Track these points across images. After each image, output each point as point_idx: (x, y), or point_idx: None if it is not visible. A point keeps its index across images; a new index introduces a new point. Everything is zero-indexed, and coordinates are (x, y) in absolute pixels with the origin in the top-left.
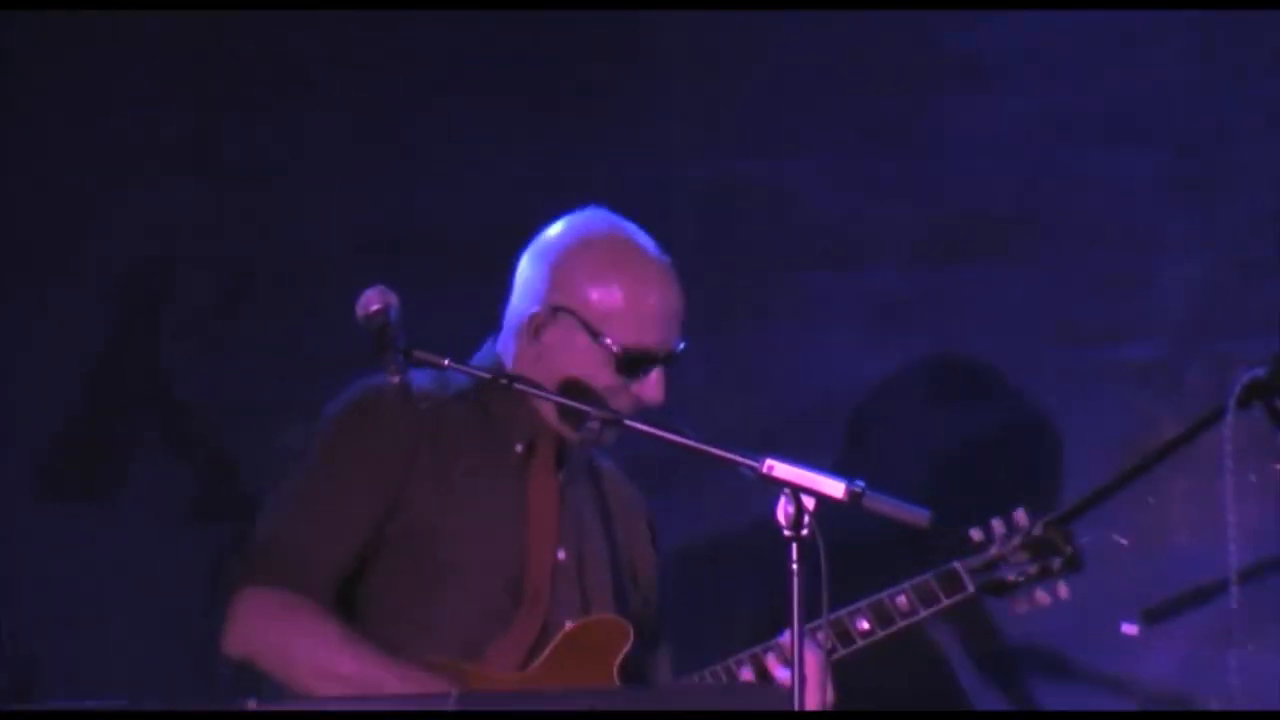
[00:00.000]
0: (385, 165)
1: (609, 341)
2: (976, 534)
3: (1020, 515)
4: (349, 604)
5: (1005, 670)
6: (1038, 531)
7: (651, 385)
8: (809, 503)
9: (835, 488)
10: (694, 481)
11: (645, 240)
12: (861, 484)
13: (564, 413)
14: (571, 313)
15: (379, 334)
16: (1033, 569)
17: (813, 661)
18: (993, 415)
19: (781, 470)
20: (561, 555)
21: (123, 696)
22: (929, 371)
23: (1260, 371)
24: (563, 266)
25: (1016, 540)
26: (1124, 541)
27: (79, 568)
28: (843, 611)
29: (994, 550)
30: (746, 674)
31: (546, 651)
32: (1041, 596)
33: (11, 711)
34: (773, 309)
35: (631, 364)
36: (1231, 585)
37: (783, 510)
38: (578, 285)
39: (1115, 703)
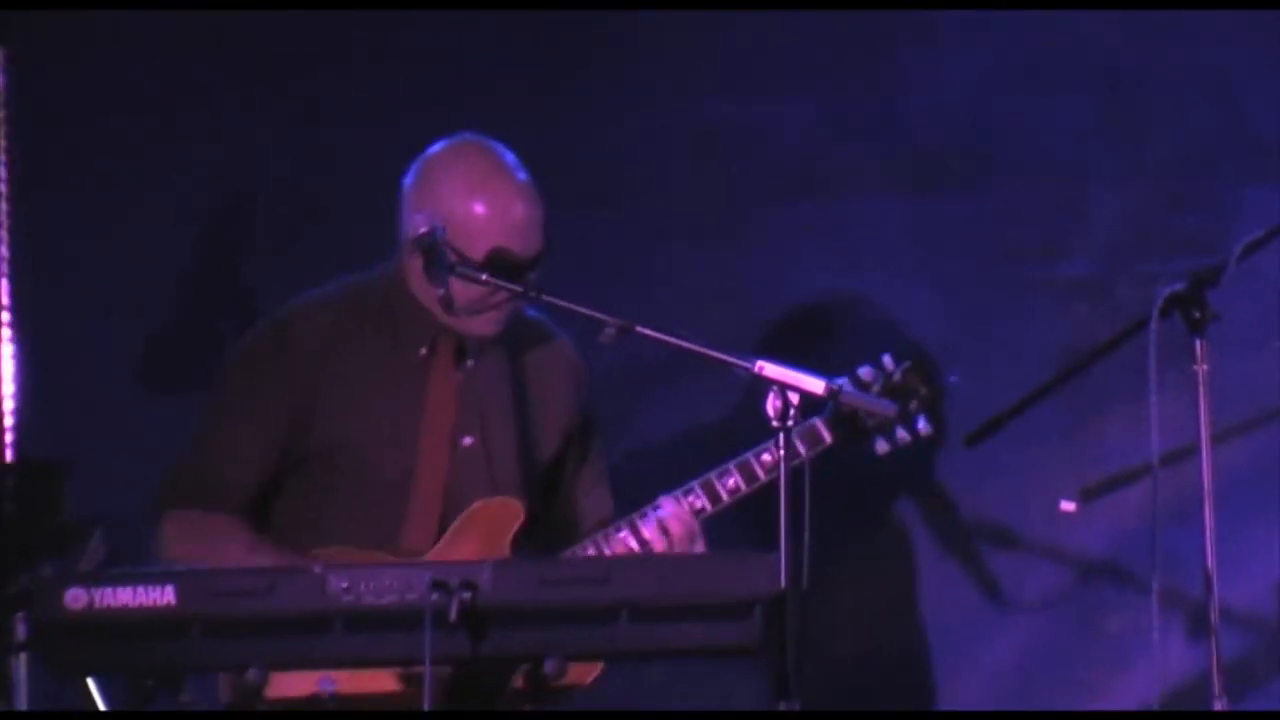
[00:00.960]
0: (424, 113)
1: (469, 253)
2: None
3: (886, 360)
4: (268, 513)
5: (958, 542)
6: (897, 377)
7: (523, 291)
8: (794, 398)
9: (816, 385)
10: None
11: (506, 158)
12: (840, 381)
13: (467, 312)
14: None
15: (427, 251)
16: (891, 411)
17: (679, 516)
18: (946, 325)
19: (771, 370)
20: (467, 441)
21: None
22: (890, 287)
23: (1180, 286)
24: (432, 189)
25: (877, 386)
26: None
27: (168, 451)
28: (713, 472)
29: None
30: (625, 536)
31: (448, 533)
32: (901, 435)
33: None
34: (753, 235)
35: (497, 272)
36: (1154, 469)
37: (771, 404)
38: (445, 205)
39: (1054, 570)
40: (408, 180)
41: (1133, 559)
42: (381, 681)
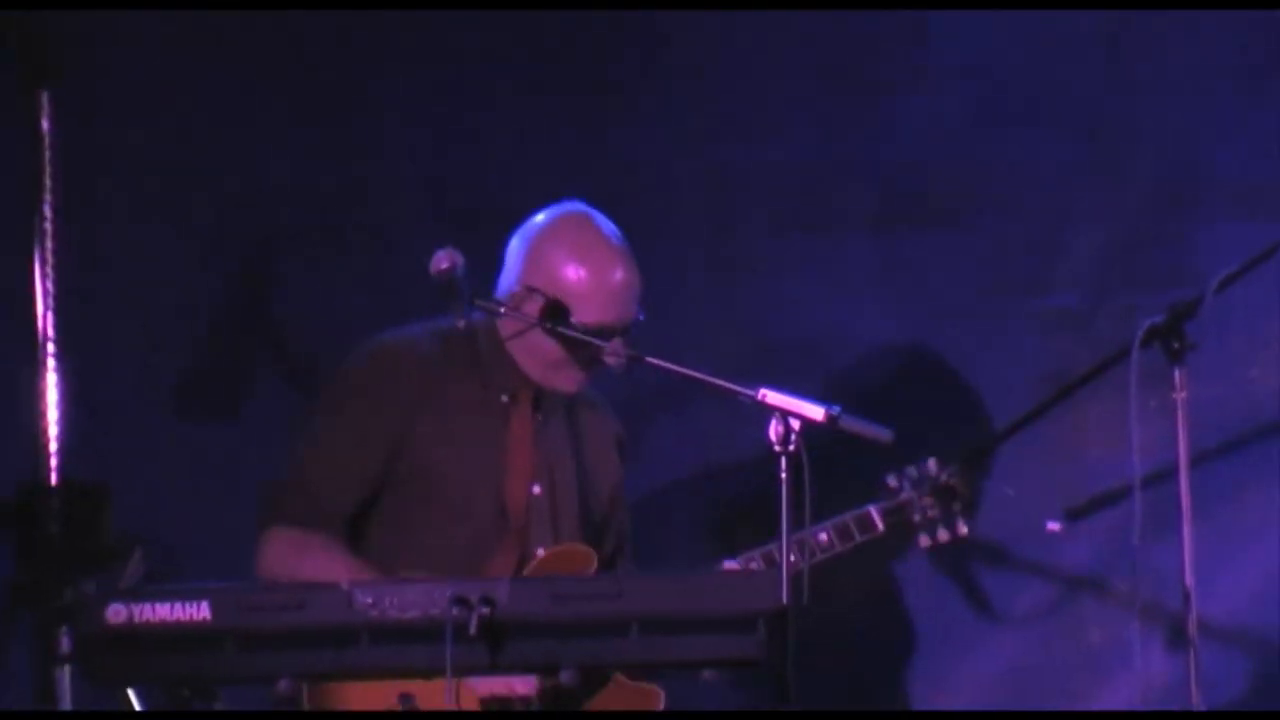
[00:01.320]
0: (456, 146)
1: (578, 318)
2: (892, 481)
3: (930, 464)
4: (361, 534)
5: (954, 558)
6: (943, 479)
7: (616, 352)
8: (795, 424)
9: (816, 411)
10: (688, 407)
11: (608, 228)
12: (838, 409)
13: (544, 367)
14: (543, 293)
15: (447, 287)
16: (935, 512)
17: None
18: (936, 355)
19: (773, 397)
20: (536, 490)
21: (239, 578)
22: (885, 319)
23: (1158, 319)
24: (537, 250)
25: (925, 487)
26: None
27: (211, 473)
28: (774, 543)
29: (904, 495)
30: None
31: (528, 572)
32: (942, 534)
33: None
34: (756, 268)
35: (593, 335)
36: (1135, 490)
37: (773, 430)
38: (548, 268)
39: (1041, 585)
40: (513, 243)
41: (1115, 575)
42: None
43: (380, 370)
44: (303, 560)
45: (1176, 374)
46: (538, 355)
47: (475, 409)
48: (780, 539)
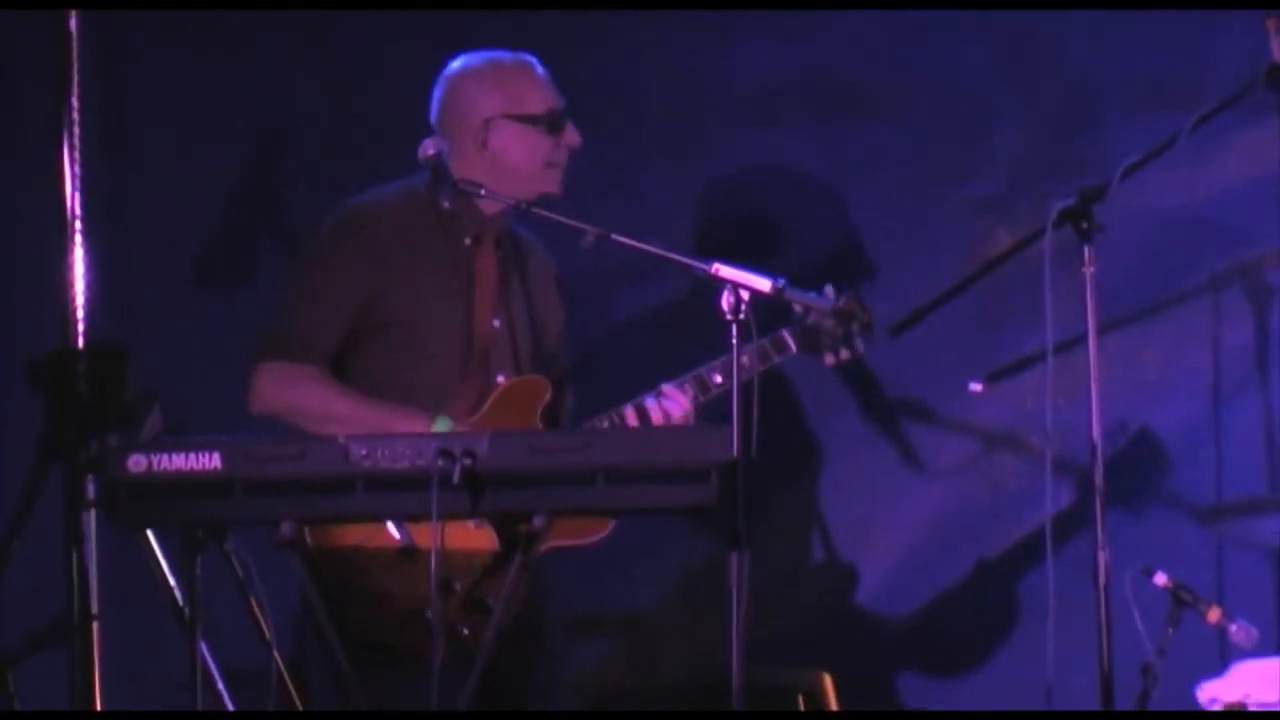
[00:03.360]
0: (444, 47)
1: (533, 113)
2: (799, 308)
3: (829, 291)
4: (341, 374)
5: (884, 416)
6: (840, 303)
7: (571, 132)
8: (745, 295)
9: (763, 283)
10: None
11: (517, 52)
12: (783, 281)
13: (533, 175)
14: (500, 115)
15: (434, 171)
16: (838, 332)
17: (682, 402)
18: (871, 236)
19: (725, 271)
20: (496, 323)
21: (247, 431)
22: (828, 203)
23: (1071, 201)
24: (475, 87)
25: (826, 310)
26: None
27: (222, 337)
28: (703, 369)
29: (810, 318)
30: (630, 417)
31: (488, 403)
32: (843, 353)
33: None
34: (711, 158)
35: (553, 122)
36: (1048, 355)
37: (725, 300)
38: (492, 94)
39: (963, 441)
40: (447, 97)
41: (1030, 431)
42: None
43: (352, 227)
44: (297, 389)
45: (1085, 251)
46: (527, 167)
47: (441, 255)
48: (733, 389)
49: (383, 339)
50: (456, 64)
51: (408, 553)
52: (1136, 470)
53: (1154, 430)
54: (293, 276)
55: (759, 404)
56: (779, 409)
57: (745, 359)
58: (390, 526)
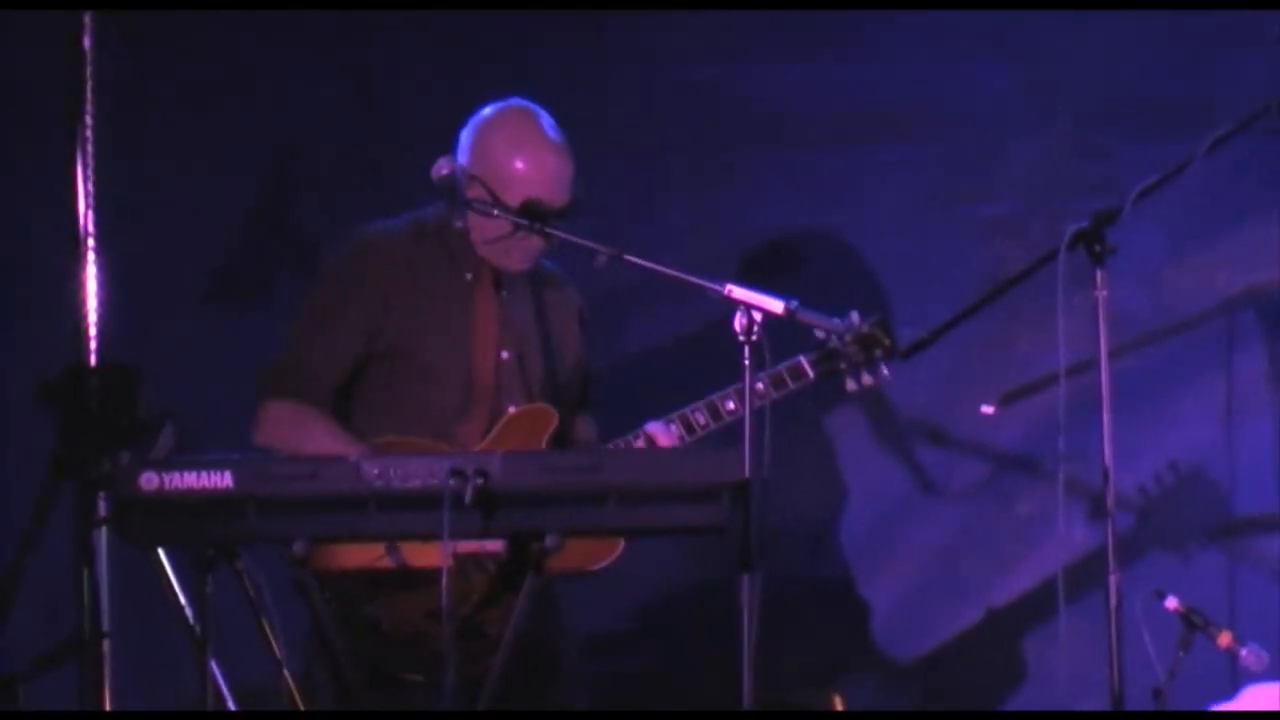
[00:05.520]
0: (461, 66)
1: (507, 200)
2: (820, 333)
3: (854, 316)
4: (348, 405)
5: (896, 438)
6: (864, 329)
7: (543, 230)
8: (758, 316)
9: (776, 305)
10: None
11: (544, 120)
12: (795, 302)
13: (490, 247)
14: (480, 180)
15: (448, 191)
16: (860, 358)
17: (666, 439)
18: (887, 256)
19: (738, 292)
20: (505, 355)
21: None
22: (843, 223)
23: (1084, 224)
24: (480, 140)
25: (849, 336)
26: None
27: (233, 356)
28: (715, 395)
29: (831, 344)
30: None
31: (492, 432)
32: (866, 378)
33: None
34: (727, 179)
35: (529, 213)
36: (1061, 378)
37: (738, 321)
38: (488, 156)
39: (975, 462)
40: (463, 134)
41: (1042, 453)
42: (436, 557)
43: (358, 260)
44: (297, 431)
45: (1098, 274)
46: (483, 237)
47: (444, 288)
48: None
49: (386, 367)
50: (489, 108)
51: (405, 576)
52: (1186, 510)
53: (1209, 472)
54: (300, 311)
55: (771, 425)
56: (791, 430)
57: (760, 385)
58: (384, 550)
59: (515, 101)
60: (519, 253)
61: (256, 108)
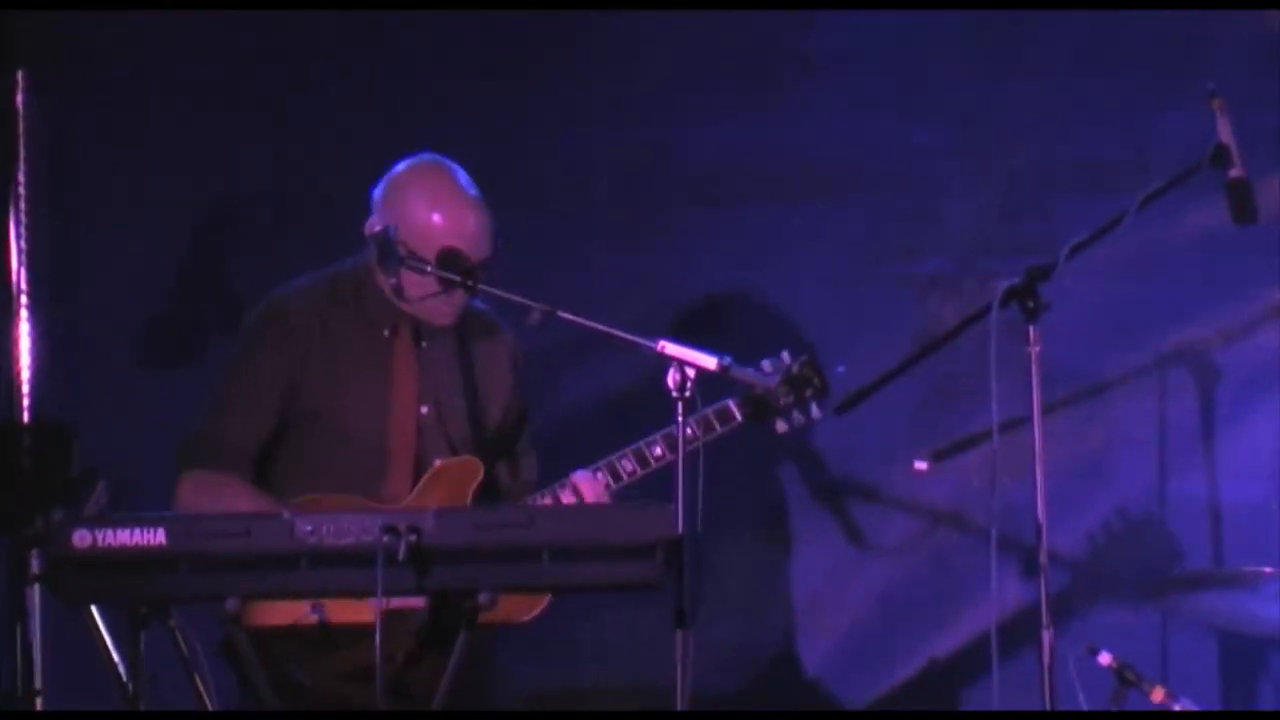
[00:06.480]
0: (393, 123)
1: (425, 254)
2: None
3: (784, 355)
4: (268, 467)
5: (829, 494)
6: (795, 369)
7: (464, 285)
8: (690, 372)
9: (709, 361)
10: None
11: (460, 176)
12: (729, 359)
13: (415, 304)
14: (400, 237)
15: (380, 248)
16: (790, 399)
17: (592, 488)
18: (821, 313)
19: (671, 348)
20: (425, 410)
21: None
22: (776, 280)
23: (1016, 281)
24: (398, 200)
25: (780, 376)
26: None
27: (166, 414)
28: (641, 442)
29: (759, 386)
30: (566, 496)
31: (418, 486)
32: (798, 418)
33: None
34: (661, 237)
35: (453, 270)
36: (994, 434)
37: (671, 378)
38: (408, 215)
39: (908, 519)
40: (377, 191)
41: (975, 510)
42: (361, 613)
43: (270, 324)
44: (215, 500)
45: (1031, 331)
46: (409, 294)
47: (361, 345)
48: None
49: (304, 428)
50: (403, 164)
51: (326, 635)
52: (1120, 566)
53: (1142, 528)
54: (217, 379)
55: (704, 481)
56: (723, 485)
57: (689, 430)
58: (308, 607)
59: (427, 156)
60: (446, 307)
61: (191, 168)
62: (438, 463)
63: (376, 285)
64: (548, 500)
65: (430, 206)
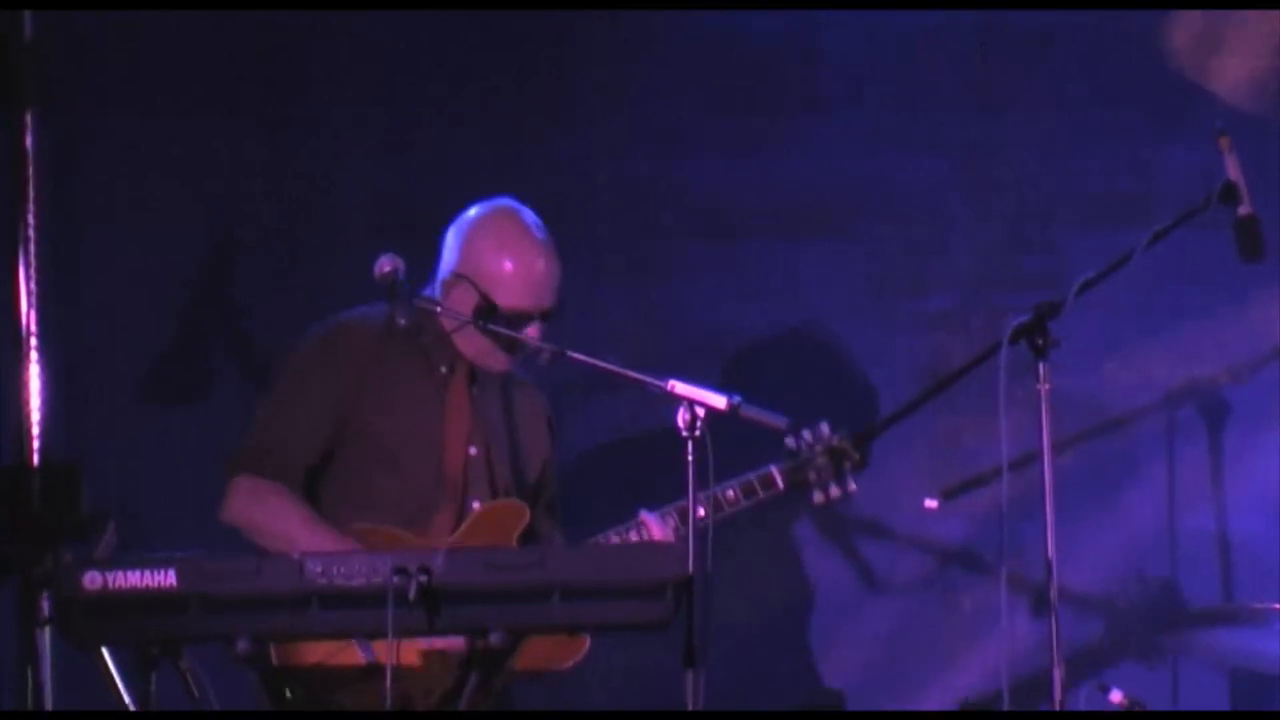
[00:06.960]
0: (398, 157)
1: (497, 300)
2: (791, 443)
3: (824, 428)
4: (316, 488)
5: (839, 532)
6: (835, 442)
7: (531, 335)
8: (700, 411)
9: (719, 400)
10: (611, 396)
11: (532, 221)
12: (739, 398)
13: (478, 348)
14: (471, 280)
15: (390, 288)
16: (828, 470)
17: (661, 530)
18: (828, 350)
19: (681, 388)
20: (473, 451)
21: (202, 548)
22: (783, 318)
23: (1025, 317)
24: (467, 241)
25: (819, 448)
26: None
27: (176, 454)
28: (684, 501)
29: (802, 455)
30: (634, 536)
31: (463, 526)
32: (834, 490)
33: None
34: (667, 273)
35: (511, 320)
36: (1004, 472)
37: (681, 417)
38: (476, 258)
39: (919, 557)
40: (449, 234)
41: (985, 548)
42: (407, 654)
43: (333, 345)
44: (265, 508)
45: (1041, 368)
46: (468, 339)
47: (416, 380)
48: (689, 504)
49: (356, 450)
50: (474, 209)
51: (372, 671)
52: (1131, 603)
53: (1152, 566)
54: (275, 388)
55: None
56: (734, 523)
57: (730, 493)
58: (355, 644)
59: (502, 201)
60: (500, 355)
61: (195, 205)
62: (478, 505)
63: (437, 326)
64: (614, 539)
65: (503, 254)
